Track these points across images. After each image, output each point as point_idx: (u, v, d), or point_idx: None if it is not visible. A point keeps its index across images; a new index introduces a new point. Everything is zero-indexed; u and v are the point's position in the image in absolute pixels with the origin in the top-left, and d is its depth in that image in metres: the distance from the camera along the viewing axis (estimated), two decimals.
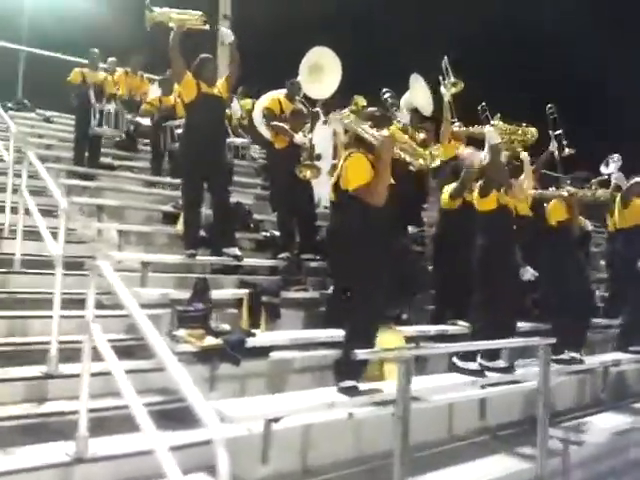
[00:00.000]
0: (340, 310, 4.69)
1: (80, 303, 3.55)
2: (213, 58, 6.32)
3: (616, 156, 7.38)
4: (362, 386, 4.15)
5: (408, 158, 4.44)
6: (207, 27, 6.05)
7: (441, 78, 7.29)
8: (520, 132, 5.68)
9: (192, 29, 5.90)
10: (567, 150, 7.58)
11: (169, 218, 7.07)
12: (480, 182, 5.36)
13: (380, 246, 4.12)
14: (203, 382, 4.26)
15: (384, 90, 7.14)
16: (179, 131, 8.35)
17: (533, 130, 5.76)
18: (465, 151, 6.24)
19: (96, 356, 3.17)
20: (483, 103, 7.60)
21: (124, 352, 3.95)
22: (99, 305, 4.16)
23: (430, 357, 5.43)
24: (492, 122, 5.65)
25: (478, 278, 5.30)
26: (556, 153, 7.56)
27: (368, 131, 4.23)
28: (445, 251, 6.03)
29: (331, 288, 6.20)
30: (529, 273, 6.10)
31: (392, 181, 4.28)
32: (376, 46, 16.37)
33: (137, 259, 5.50)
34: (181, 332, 4.22)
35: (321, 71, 6.69)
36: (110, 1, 13.56)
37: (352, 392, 4.04)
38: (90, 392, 3.21)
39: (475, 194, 5.40)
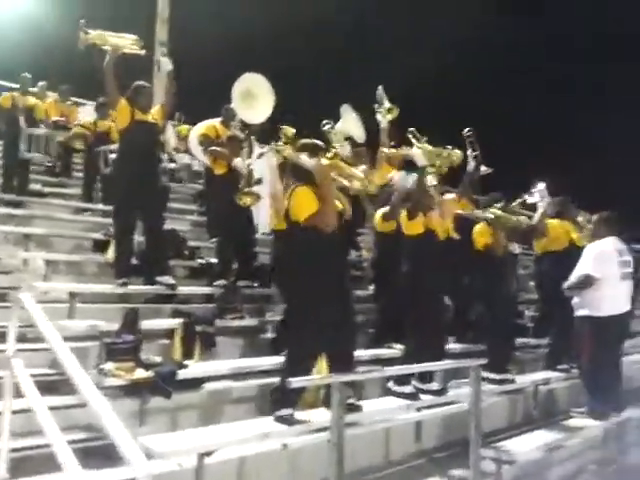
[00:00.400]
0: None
1: (2, 337, 3.41)
2: (148, 85, 6.28)
3: (539, 185, 7.67)
4: (298, 414, 4.13)
5: (346, 182, 4.57)
6: (143, 52, 6.03)
7: (376, 106, 7.48)
8: (445, 154, 5.82)
9: (127, 53, 5.88)
10: (484, 168, 7.86)
11: (99, 246, 6.88)
12: (408, 205, 5.43)
13: (331, 273, 4.20)
14: (132, 417, 4.15)
15: (324, 122, 7.26)
16: (113, 156, 8.25)
17: (458, 153, 5.93)
18: (396, 175, 6.38)
19: (18, 392, 3.05)
20: (412, 128, 7.80)
21: (48, 387, 3.83)
22: (23, 338, 4.03)
23: (366, 382, 5.48)
24: (418, 144, 5.77)
25: (407, 302, 5.36)
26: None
27: (306, 161, 4.36)
28: (383, 275, 6.10)
29: (268, 315, 6.24)
30: None
31: (339, 207, 4.41)
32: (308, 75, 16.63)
33: (64, 289, 5.32)
34: (109, 365, 4.10)
35: (253, 97, 6.72)
36: (42, 25, 13.29)
37: (288, 421, 4.01)
38: (11, 430, 3.07)
39: (403, 217, 5.49)
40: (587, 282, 5.72)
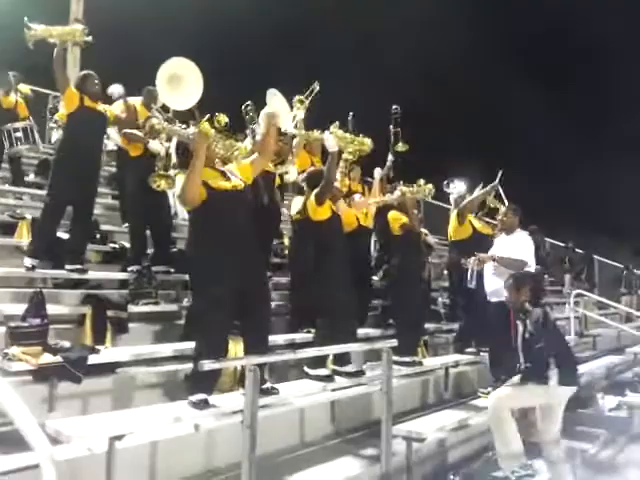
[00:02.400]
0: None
1: None
2: (95, 74, 6.10)
3: (456, 181, 7.99)
4: (213, 399, 4.11)
5: (222, 152, 4.50)
6: (90, 39, 5.91)
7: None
8: (357, 142, 5.94)
9: (76, 42, 5.91)
10: (401, 146, 8.13)
11: (5, 228, 6.56)
12: (317, 190, 5.48)
13: (231, 254, 4.14)
14: (42, 402, 4.03)
15: (246, 103, 7.20)
16: (18, 134, 7.87)
17: (368, 141, 6.05)
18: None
19: None
20: (351, 113, 7.92)
21: None
22: None
23: (284, 366, 5.54)
24: (330, 129, 5.86)
25: (315, 286, 5.43)
26: (391, 167, 8.12)
27: (182, 131, 4.41)
28: (298, 261, 6.14)
29: (184, 301, 6.16)
30: None
31: (236, 186, 4.37)
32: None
33: None
34: (15, 350, 3.93)
35: (180, 81, 6.56)
36: None
37: (202, 405, 3.98)
38: None
39: (311, 202, 5.52)
40: (520, 267, 5.88)
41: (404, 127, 8.26)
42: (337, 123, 6.06)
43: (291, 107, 6.90)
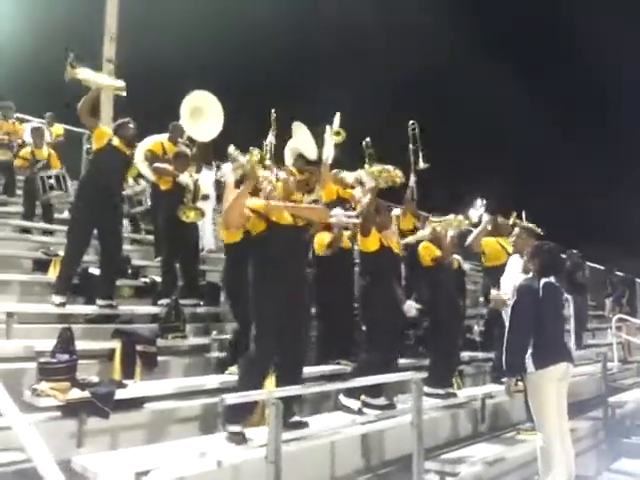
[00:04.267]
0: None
1: None
2: (131, 121, 6.32)
3: (478, 202, 7.88)
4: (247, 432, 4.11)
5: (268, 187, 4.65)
6: (124, 94, 6.19)
7: (328, 127, 7.61)
8: (388, 171, 5.92)
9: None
10: (422, 164, 8.06)
11: (40, 265, 6.71)
12: (360, 222, 5.56)
13: (279, 287, 4.25)
14: (70, 437, 4.05)
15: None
16: (51, 182, 8.15)
17: (400, 174, 6.03)
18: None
19: None
20: (367, 139, 7.94)
21: None
22: None
23: (319, 398, 5.48)
24: (365, 166, 5.89)
25: (360, 317, 5.43)
26: (414, 188, 8.06)
27: (239, 160, 4.58)
28: (322, 295, 6.12)
29: (213, 334, 6.17)
30: (413, 309, 6.29)
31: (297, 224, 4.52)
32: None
33: (1, 309, 5.16)
34: (43, 385, 3.97)
35: (202, 113, 6.70)
36: None
37: (237, 437, 4.00)
38: None
39: (358, 235, 5.59)
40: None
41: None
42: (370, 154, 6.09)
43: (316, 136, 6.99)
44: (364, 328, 5.63)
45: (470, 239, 7.18)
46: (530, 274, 4.91)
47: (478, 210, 7.63)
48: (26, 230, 8.08)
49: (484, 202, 7.47)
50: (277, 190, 4.67)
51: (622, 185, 20.32)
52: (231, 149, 4.91)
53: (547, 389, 4.61)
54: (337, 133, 7.16)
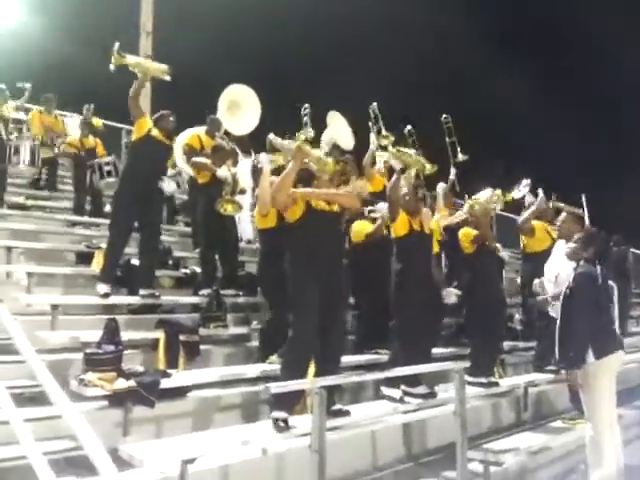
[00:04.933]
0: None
1: None
2: (171, 113, 6.38)
3: (524, 182, 7.68)
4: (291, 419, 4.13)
5: (315, 167, 4.68)
6: (168, 78, 6.19)
7: (371, 124, 7.57)
8: (420, 161, 5.84)
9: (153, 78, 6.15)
10: (461, 156, 7.94)
11: (83, 258, 6.85)
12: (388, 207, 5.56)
13: (316, 273, 4.25)
14: (116, 426, 4.13)
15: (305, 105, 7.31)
16: (108, 168, 8.29)
17: (423, 160, 5.95)
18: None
19: None
20: (409, 126, 7.86)
21: (32, 399, 3.81)
22: (7, 351, 4.00)
23: (359, 388, 5.47)
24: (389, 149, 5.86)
25: (394, 304, 5.38)
26: (455, 180, 7.95)
27: (284, 144, 4.74)
28: (362, 282, 6.10)
29: (253, 323, 6.23)
30: (452, 295, 6.20)
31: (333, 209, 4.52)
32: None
33: (46, 301, 5.28)
34: (90, 375, 4.06)
35: (239, 107, 6.73)
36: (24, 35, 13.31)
37: (281, 425, 4.03)
38: None
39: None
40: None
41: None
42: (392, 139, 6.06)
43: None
44: (397, 315, 5.51)
45: (522, 218, 7.06)
46: (580, 261, 4.76)
47: (522, 190, 7.49)
48: (76, 223, 8.24)
49: (529, 182, 7.33)
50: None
51: None
52: (271, 136, 4.95)
53: (604, 379, 4.51)
54: (385, 137, 7.07)
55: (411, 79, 17.42)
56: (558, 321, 4.68)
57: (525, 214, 7.10)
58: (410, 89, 17.02)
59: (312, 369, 4.56)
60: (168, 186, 6.40)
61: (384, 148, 6.24)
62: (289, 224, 4.56)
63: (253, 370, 5.04)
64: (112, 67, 5.77)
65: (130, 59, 5.87)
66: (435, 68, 18.26)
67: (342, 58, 18.38)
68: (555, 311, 5.52)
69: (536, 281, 6.06)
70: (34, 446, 2.67)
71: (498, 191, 6.50)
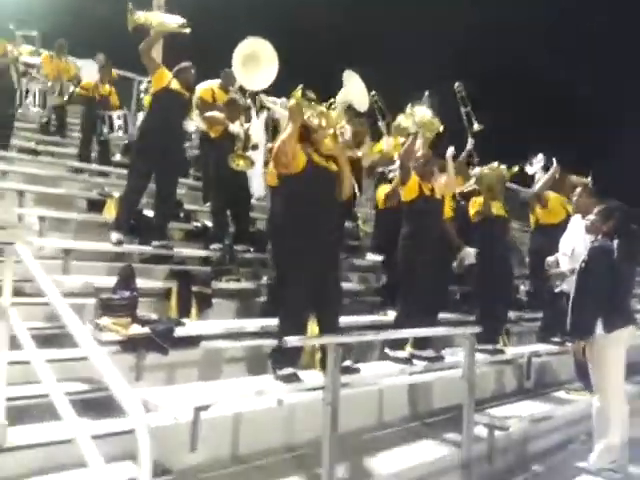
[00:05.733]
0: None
1: None
2: (192, 66, 6.30)
3: (539, 156, 7.62)
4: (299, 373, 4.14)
5: (315, 120, 4.43)
6: (188, 31, 6.04)
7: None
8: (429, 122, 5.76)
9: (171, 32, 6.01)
10: (476, 126, 7.86)
11: (94, 205, 6.82)
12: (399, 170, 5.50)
13: (313, 232, 4.12)
14: (129, 371, 4.15)
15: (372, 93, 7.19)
16: (119, 122, 8.20)
17: (437, 122, 5.86)
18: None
19: (15, 345, 3.02)
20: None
21: (44, 340, 3.81)
22: (19, 293, 4.00)
23: (365, 347, 5.51)
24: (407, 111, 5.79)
25: (400, 267, 5.38)
26: (473, 150, 7.89)
27: (277, 103, 4.42)
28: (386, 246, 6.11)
29: (263, 279, 6.24)
30: (471, 256, 6.14)
31: (331, 167, 4.35)
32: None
33: (59, 246, 5.27)
34: (105, 320, 4.07)
35: (256, 62, 6.57)
36: None
37: (292, 379, 4.03)
38: (9, 380, 3.05)
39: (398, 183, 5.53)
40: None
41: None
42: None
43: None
44: (402, 278, 5.47)
45: (538, 186, 7.02)
46: (598, 235, 4.74)
47: (535, 165, 7.44)
48: (83, 170, 8.17)
49: (543, 158, 7.27)
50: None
51: None
52: (262, 96, 4.77)
53: (613, 352, 4.54)
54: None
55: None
56: (572, 293, 4.69)
57: (540, 182, 7.05)
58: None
59: (314, 325, 4.58)
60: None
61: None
62: (287, 176, 4.33)
63: (260, 324, 5.04)
64: (130, 28, 5.68)
65: (145, 17, 5.75)
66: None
67: (365, 21, 18.04)
68: (568, 284, 5.55)
69: (550, 258, 6.04)
70: (54, 385, 2.69)
71: (503, 166, 6.48)
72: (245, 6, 15.10)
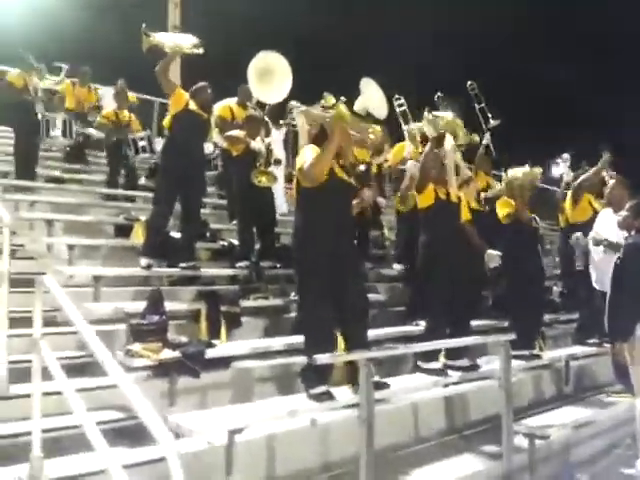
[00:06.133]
0: None
1: (29, 321, 3.39)
2: (208, 85, 6.33)
3: (565, 156, 7.51)
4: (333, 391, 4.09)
5: (358, 136, 4.41)
6: (201, 52, 6.09)
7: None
8: (452, 123, 5.68)
9: (186, 53, 6.03)
10: (492, 121, 7.76)
11: (121, 230, 6.89)
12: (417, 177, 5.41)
13: (332, 243, 4.07)
14: (162, 397, 4.16)
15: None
16: (143, 143, 8.28)
17: (460, 122, 5.77)
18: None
19: (47, 375, 3.04)
20: (439, 93, 7.70)
21: (75, 370, 3.84)
22: (50, 323, 4.03)
23: (397, 360, 5.44)
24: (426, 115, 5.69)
25: (422, 276, 5.30)
26: (491, 145, 7.79)
27: (321, 113, 4.29)
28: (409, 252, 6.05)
29: (291, 295, 6.21)
30: (496, 258, 6.03)
31: (351, 182, 4.30)
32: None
33: (89, 273, 5.32)
34: (136, 346, 4.08)
35: (270, 75, 6.62)
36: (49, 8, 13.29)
37: (324, 398, 3.97)
38: (43, 412, 3.07)
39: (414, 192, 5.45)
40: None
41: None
42: (427, 108, 5.90)
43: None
44: (426, 288, 5.36)
45: (581, 179, 6.87)
46: (632, 232, 4.62)
47: (561, 166, 7.31)
48: (111, 196, 8.27)
49: (569, 157, 7.14)
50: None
51: None
52: (295, 104, 4.72)
53: None
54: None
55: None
56: (609, 292, 4.57)
57: (583, 176, 6.89)
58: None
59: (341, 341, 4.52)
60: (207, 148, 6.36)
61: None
62: (307, 189, 4.19)
63: (290, 342, 5.01)
64: (144, 49, 5.72)
65: (158, 38, 5.79)
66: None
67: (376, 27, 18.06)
68: (602, 283, 5.41)
69: (577, 234, 5.89)
70: (86, 416, 2.69)
71: (536, 169, 6.36)
72: (249, 21, 15.22)
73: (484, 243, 5.88)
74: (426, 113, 5.82)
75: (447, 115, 5.84)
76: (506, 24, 17.68)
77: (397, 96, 7.99)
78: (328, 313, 4.10)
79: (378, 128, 4.50)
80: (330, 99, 4.32)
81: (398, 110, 8.29)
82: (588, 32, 18.29)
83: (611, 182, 5.89)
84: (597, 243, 5.73)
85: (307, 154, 4.13)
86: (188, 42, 5.98)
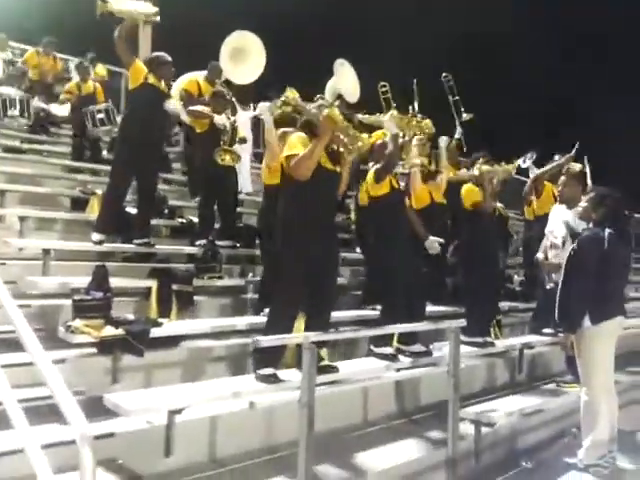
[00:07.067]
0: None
1: None
2: (166, 55, 6.09)
3: (530, 153, 7.57)
4: (281, 374, 4.06)
5: (345, 140, 4.28)
6: (158, 19, 5.93)
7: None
8: (414, 123, 5.63)
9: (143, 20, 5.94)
10: (465, 115, 7.75)
11: (78, 204, 6.74)
12: (377, 167, 5.29)
13: (318, 231, 4.08)
14: (105, 374, 4.08)
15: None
16: (101, 116, 8.08)
17: (428, 122, 5.71)
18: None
19: None
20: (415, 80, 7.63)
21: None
22: None
23: (352, 344, 5.42)
24: (391, 112, 5.59)
25: (374, 262, 5.28)
26: (462, 139, 7.77)
27: (312, 112, 4.18)
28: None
29: (249, 275, 6.16)
30: (435, 244, 5.98)
31: (336, 170, 4.26)
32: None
33: (38, 246, 5.19)
34: (77, 322, 3.99)
35: (243, 55, 6.46)
36: None
37: (271, 380, 3.95)
38: None
39: (370, 179, 5.33)
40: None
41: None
42: (394, 105, 5.84)
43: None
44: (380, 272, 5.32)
45: (540, 171, 6.91)
46: (590, 224, 4.61)
47: (527, 162, 7.34)
48: (73, 169, 8.09)
49: (535, 155, 7.17)
50: None
51: None
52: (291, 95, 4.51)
53: (601, 344, 4.42)
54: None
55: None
56: (560, 283, 4.57)
57: (547, 167, 6.94)
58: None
59: (301, 323, 4.48)
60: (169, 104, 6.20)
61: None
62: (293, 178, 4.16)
63: (245, 322, 4.97)
64: (98, 15, 5.50)
65: (114, 5, 5.53)
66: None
67: (356, 12, 17.87)
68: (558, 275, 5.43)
69: (539, 255, 5.92)
70: (9, 392, 2.60)
71: (511, 166, 6.42)
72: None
73: (426, 231, 5.88)
74: (390, 113, 5.70)
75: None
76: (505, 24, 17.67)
77: (382, 83, 7.88)
78: (300, 299, 4.15)
79: (365, 138, 4.35)
80: (291, 93, 4.24)
81: (382, 97, 8.18)
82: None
83: (562, 178, 5.84)
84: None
85: (295, 145, 4.08)
86: (146, 9, 5.79)
